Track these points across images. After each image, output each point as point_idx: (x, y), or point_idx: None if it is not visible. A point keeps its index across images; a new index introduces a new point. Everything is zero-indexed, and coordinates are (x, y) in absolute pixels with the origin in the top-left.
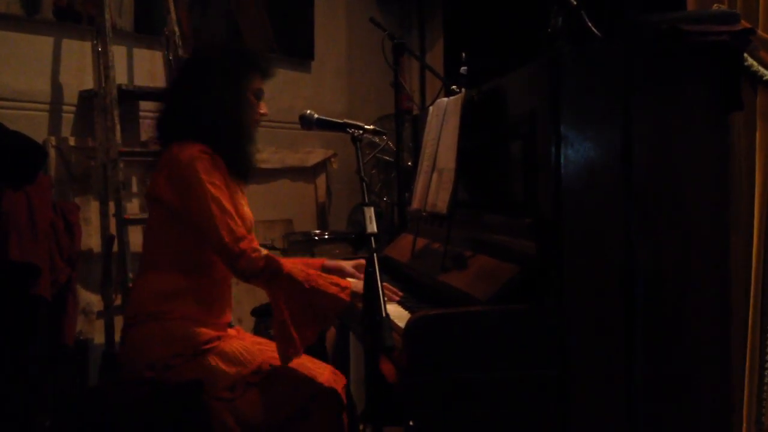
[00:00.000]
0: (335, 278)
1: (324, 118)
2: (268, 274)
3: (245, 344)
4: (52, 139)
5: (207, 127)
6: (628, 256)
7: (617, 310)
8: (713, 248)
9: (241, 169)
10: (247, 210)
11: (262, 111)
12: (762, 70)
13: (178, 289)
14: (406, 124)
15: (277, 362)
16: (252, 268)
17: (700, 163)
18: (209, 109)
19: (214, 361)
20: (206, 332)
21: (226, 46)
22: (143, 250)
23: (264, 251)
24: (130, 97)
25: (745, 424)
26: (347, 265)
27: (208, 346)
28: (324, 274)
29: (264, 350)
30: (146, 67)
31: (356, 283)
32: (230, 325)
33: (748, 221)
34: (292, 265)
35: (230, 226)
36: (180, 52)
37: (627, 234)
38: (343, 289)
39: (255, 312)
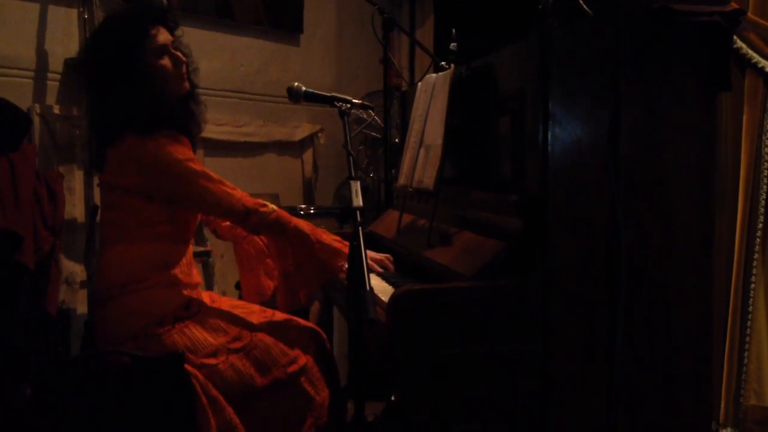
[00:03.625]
0: (337, 237)
1: (312, 91)
2: (278, 227)
3: (223, 310)
4: (37, 107)
5: (132, 119)
6: (612, 235)
7: (600, 288)
8: (697, 229)
9: (189, 135)
10: None
11: (169, 66)
12: (751, 52)
13: (150, 258)
14: (395, 100)
15: (257, 325)
16: (263, 222)
17: (688, 143)
18: (126, 100)
19: (195, 328)
20: (182, 295)
21: (119, 18)
22: (102, 226)
23: (272, 205)
24: None
25: (723, 402)
26: None
27: (188, 312)
28: (327, 231)
29: (242, 313)
30: None
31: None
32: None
33: (734, 204)
34: (298, 219)
35: (227, 192)
36: None
37: (612, 213)
38: (346, 244)
39: (239, 285)
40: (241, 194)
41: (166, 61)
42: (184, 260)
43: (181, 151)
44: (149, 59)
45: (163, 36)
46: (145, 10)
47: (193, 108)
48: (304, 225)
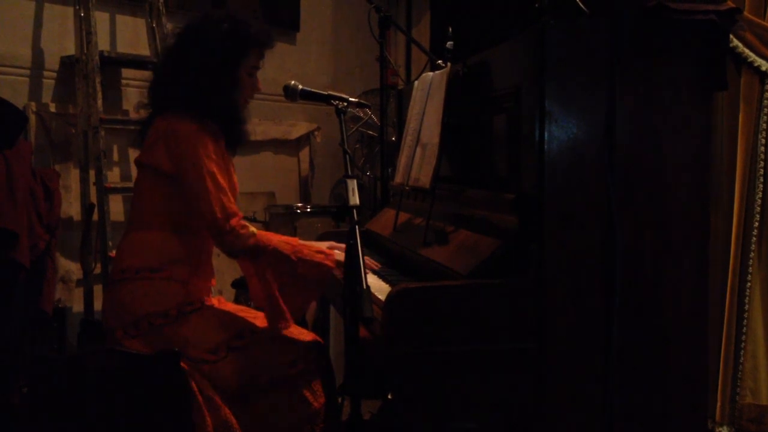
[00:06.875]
0: (319, 246)
1: (308, 89)
2: (254, 252)
3: (228, 311)
4: (33, 105)
5: (198, 105)
6: (608, 233)
7: (596, 286)
8: (693, 227)
9: (231, 143)
10: (235, 179)
11: (255, 87)
12: (747, 51)
13: (170, 249)
14: (391, 98)
15: (259, 327)
16: (240, 245)
17: (683, 141)
18: (201, 88)
19: (198, 322)
20: (193, 294)
21: (224, 20)
22: (132, 210)
23: (252, 228)
24: (113, 64)
25: (719, 402)
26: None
27: (192, 308)
28: (308, 244)
29: (246, 316)
30: (129, 34)
31: (339, 252)
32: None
33: (730, 202)
34: (278, 239)
35: (223, 203)
36: (164, 19)
37: (608, 210)
38: (328, 256)
39: (235, 284)
40: (233, 212)
41: (250, 80)
42: (202, 258)
43: (206, 145)
44: (241, 71)
45: (259, 60)
46: (266, 36)
47: (242, 124)
48: (284, 246)
